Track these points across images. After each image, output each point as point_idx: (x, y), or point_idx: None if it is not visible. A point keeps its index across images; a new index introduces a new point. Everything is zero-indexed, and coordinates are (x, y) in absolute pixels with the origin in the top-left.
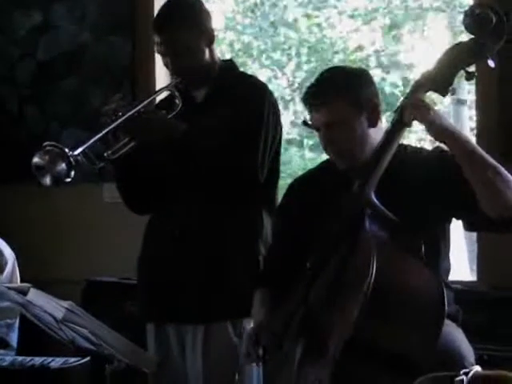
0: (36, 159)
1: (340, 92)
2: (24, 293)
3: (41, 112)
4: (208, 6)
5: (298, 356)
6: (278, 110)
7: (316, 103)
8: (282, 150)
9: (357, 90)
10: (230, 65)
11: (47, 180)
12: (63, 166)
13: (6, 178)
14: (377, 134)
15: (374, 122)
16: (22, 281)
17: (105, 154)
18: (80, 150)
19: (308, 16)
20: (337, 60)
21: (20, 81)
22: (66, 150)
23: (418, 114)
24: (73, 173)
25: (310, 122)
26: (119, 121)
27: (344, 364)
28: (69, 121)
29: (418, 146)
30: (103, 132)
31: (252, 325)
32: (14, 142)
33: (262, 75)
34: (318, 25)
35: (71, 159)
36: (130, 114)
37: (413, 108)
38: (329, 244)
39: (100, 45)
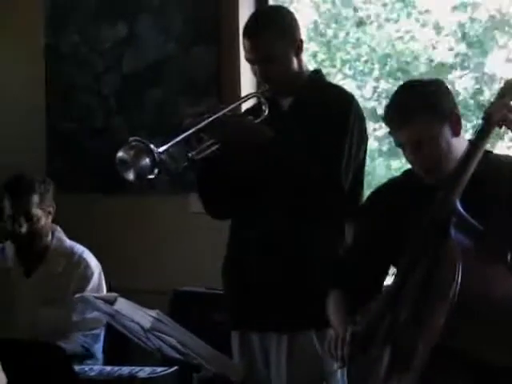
0: (121, 153)
1: (420, 108)
2: (111, 302)
3: (127, 123)
4: None
5: (384, 364)
6: (364, 121)
7: (397, 123)
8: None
9: (436, 102)
10: (317, 75)
11: (130, 175)
12: (147, 161)
13: (93, 189)
14: (459, 143)
15: (457, 131)
16: (109, 291)
17: (189, 155)
18: (165, 147)
19: (390, 26)
20: (421, 70)
21: (106, 92)
22: (151, 145)
23: (506, 119)
24: (156, 170)
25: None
26: (205, 122)
27: (431, 372)
28: (155, 131)
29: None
30: (188, 132)
31: (332, 325)
32: (100, 154)
33: (346, 86)
34: (401, 38)
35: (156, 155)
36: (215, 116)
37: (501, 113)
38: (413, 253)
39: (185, 55)
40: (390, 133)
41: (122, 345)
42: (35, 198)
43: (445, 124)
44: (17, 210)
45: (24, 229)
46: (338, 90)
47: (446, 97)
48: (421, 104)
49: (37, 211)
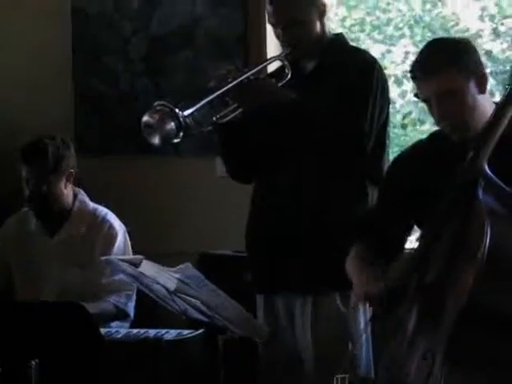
0: (146, 118)
1: (448, 60)
2: (136, 265)
3: (154, 86)
4: None
5: (411, 324)
6: (387, 84)
7: (425, 74)
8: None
9: (464, 57)
10: (340, 38)
11: (156, 139)
12: (172, 125)
13: (120, 152)
14: (485, 101)
15: (482, 88)
16: (135, 254)
17: (213, 118)
18: (190, 111)
19: None
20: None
21: (133, 55)
22: (176, 109)
23: None
24: (181, 134)
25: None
26: (229, 86)
27: (459, 334)
28: (183, 94)
29: None
30: (213, 96)
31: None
32: (127, 117)
33: (375, 51)
34: (433, 2)
35: (181, 119)
36: (239, 79)
37: None
38: (441, 214)
39: (212, 18)
40: (415, 94)
41: (149, 308)
42: (48, 163)
43: (470, 79)
44: (29, 175)
45: (37, 193)
46: (361, 53)
47: (471, 53)
48: (447, 56)
49: (50, 176)
